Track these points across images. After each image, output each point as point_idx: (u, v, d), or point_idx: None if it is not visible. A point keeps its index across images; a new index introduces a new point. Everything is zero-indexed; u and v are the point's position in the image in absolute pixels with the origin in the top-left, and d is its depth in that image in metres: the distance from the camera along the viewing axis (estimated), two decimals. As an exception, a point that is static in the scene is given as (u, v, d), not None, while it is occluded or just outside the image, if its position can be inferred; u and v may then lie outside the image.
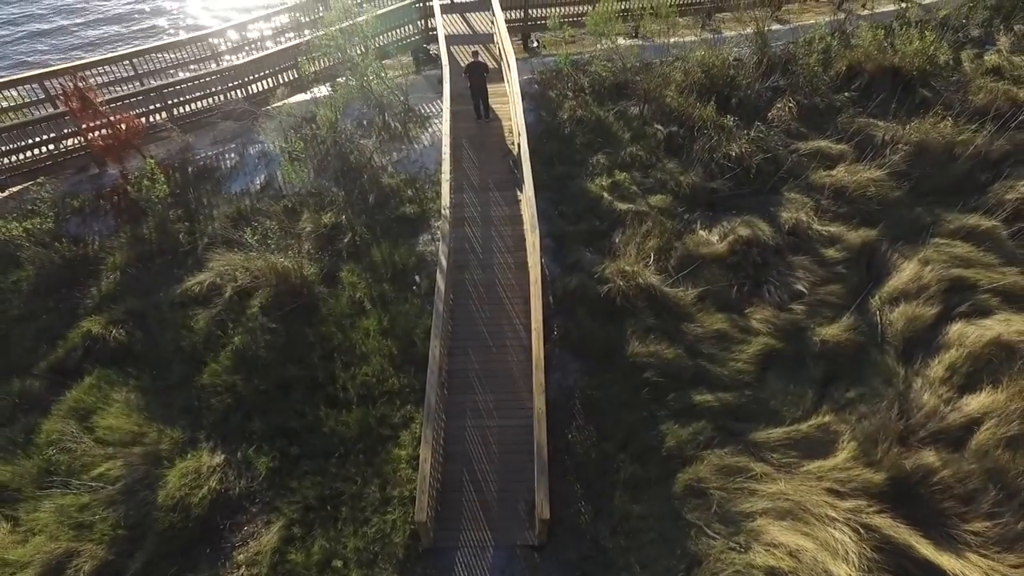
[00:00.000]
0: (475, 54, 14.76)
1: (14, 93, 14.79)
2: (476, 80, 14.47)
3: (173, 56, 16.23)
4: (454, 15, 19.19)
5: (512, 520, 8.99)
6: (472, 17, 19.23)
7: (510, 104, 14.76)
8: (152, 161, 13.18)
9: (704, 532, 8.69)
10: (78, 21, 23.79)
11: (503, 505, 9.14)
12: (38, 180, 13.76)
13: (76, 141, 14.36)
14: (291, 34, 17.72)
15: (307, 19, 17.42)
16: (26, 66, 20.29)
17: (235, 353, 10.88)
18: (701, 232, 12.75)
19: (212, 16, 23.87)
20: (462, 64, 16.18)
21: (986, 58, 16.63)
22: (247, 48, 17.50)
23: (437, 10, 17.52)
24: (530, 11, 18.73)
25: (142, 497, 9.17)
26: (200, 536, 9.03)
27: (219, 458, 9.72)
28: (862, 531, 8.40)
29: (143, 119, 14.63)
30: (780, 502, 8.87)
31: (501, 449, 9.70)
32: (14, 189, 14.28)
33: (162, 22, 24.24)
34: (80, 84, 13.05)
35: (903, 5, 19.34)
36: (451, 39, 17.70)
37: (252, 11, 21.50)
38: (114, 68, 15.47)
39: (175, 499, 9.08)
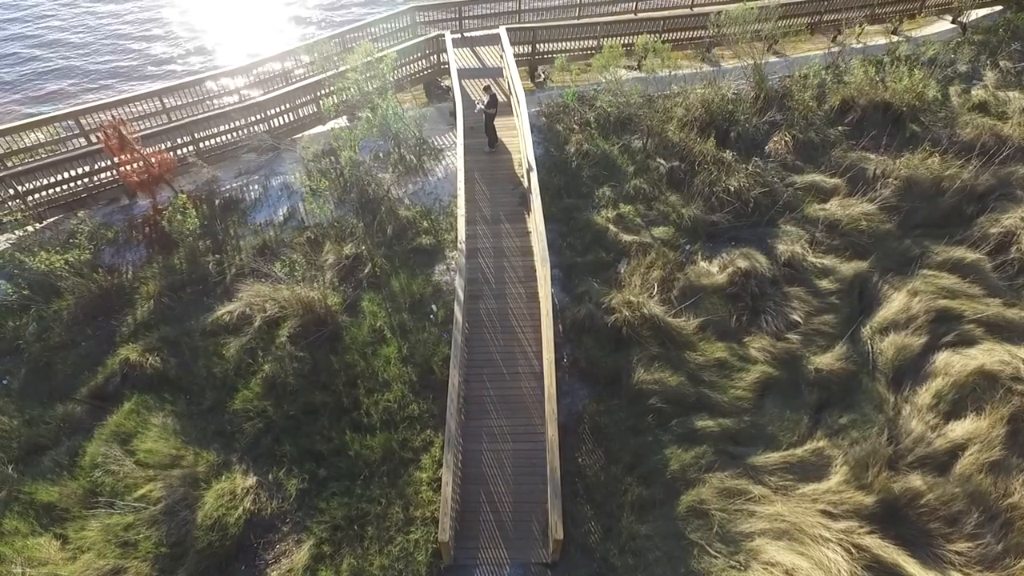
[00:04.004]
0: (487, 88, 15.56)
1: (52, 128, 15.63)
2: (492, 113, 15.27)
3: (199, 91, 17.05)
4: (465, 49, 20.05)
5: (527, 539, 9.63)
6: (482, 51, 20.09)
7: (520, 139, 15.55)
8: (184, 196, 13.98)
9: (706, 551, 9.34)
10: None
11: (518, 525, 9.78)
12: (78, 214, 14.54)
13: (110, 174, 15.17)
14: (305, 70, 18.57)
15: (325, 57, 18.23)
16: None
17: (265, 380, 11.57)
18: (702, 263, 13.48)
19: (236, 54, 24.80)
20: (472, 98, 17.03)
21: (973, 93, 17.46)
22: (270, 84, 18.32)
23: (449, 45, 18.39)
24: (537, 46, 19.61)
25: (182, 517, 9.84)
26: (236, 554, 9.69)
27: (252, 480, 10.39)
28: (853, 551, 9.07)
29: (172, 152, 15.43)
30: (777, 523, 9.52)
31: (515, 471, 10.35)
32: (50, 220, 15.05)
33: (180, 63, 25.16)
34: (118, 123, 13.82)
35: (894, 39, 20.22)
36: (462, 73, 18.53)
37: (275, 48, 22.51)
38: (144, 104, 16.28)
39: (213, 519, 9.74)
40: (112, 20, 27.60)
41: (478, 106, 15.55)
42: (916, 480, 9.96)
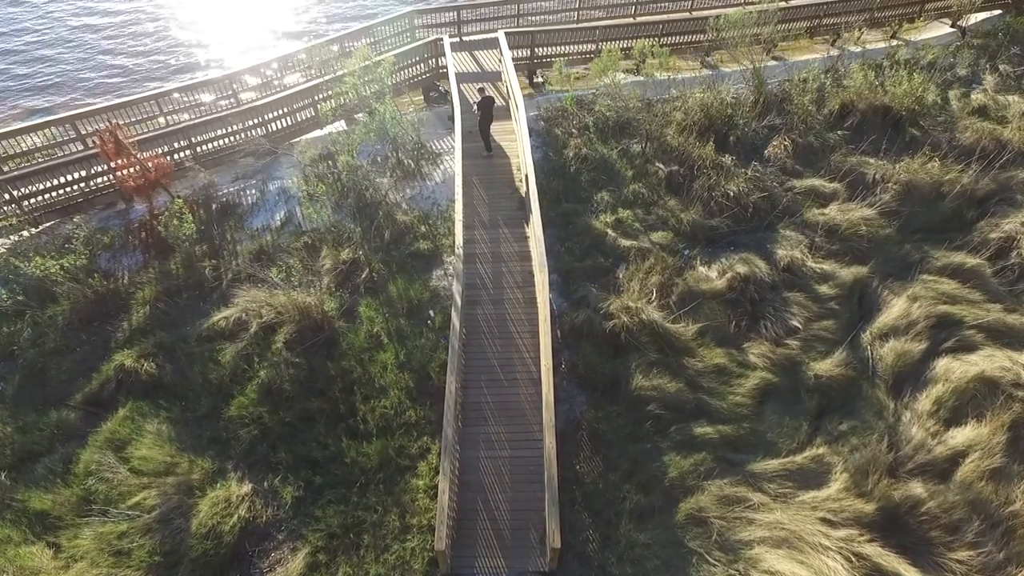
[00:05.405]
0: (481, 90, 15.55)
1: (49, 132, 15.60)
2: (487, 113, 15.22)
3: (197, 96, 17.03)
4: (463, 53, 20.01)
5: (524, 548, 9.54)
6: (480, 55, 20.05)
7: (518, 143, 15.49)
8: (180, 201, 13.92)
9: (705, 559, 9.26)
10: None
11: (515, 533, 9.69)
12: (75, 219, 14.48)
13: (106, 179, 15.10)
14: (302, 76, 18.55)
15: (323, 61, 18.20)
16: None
17: (261, 386, 11.48)
18: (701, 268, 13.41)
19: (232, 58, 24.76)
20: (471, 101, 16.98)
21: (972, 97, 17.43)
22: (267, 87, 18.30)
23: (447, 49, 18.34)
24: (536, 50, 19.57)
25: (176, 525, 9.74)
26: (231, 562, 9.60)
27: (247, 487, 10.30)
28: (854, 559, 9.00)
29: (169, 157, 15.39)
30: (776, 531, 9.44)
31: (513, 479, 10.26)
32: (46, 225, 15.00)
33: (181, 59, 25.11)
34: (114, 127, 13.77)
35: (893, 43, 20.20)
36: (461, 77, 18.46)
37: (271, 50, 22.47)
38: (141, 108, 16.24)
39: (207, 527, 9.65)
40: (103, 31, 27.44)
41: (474, 107, 15.53)
42: (917, 487, 9.88)
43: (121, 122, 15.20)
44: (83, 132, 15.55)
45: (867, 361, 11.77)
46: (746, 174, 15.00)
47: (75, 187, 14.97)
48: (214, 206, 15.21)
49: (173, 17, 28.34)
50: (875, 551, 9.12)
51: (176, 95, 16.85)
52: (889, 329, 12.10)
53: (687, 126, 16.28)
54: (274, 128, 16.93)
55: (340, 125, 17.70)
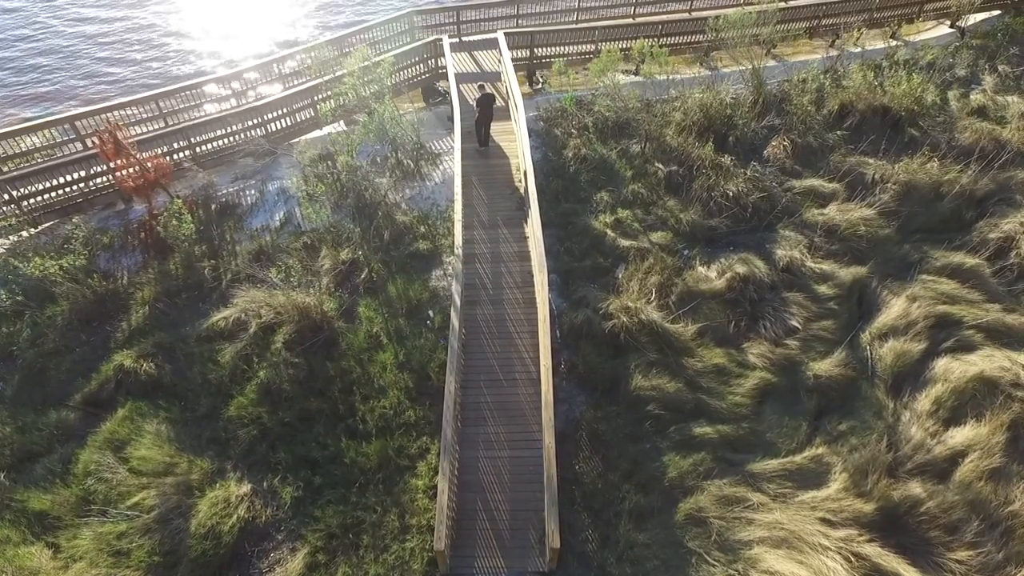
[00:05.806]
0: (481, 87, 15.57)
1: (48, 133, 15.61)
2: (485, 110, 15.22)
3: (196, 97, 17.04)
4: (463, 53, 20.03)
5: (523, 548, 9.54)
6: (480, 55, 20.07)
7: (518, 143, 15.50)
8: (180, 201, 13.92)
9: (704, 559, 9.26)
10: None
11: (515, 533, 9.69)
12: (74, 219, 14.49)
13: (105, 179, 15.10)
14: (304, 77, 18.57)
15: (322, 61, 18.21)
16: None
17: (260, 386, 11.47)
18: (700, 269, 13.41)
19: (231, 59, 24.72)
20: (471, 101, 16.98)
21: (972, 98, 17.44)
22: (267, 87, 18.31)
23: (447, 49, 18.36)
24: (536, 50, 19.59)
25: (175, 525, 9.74)
26: (230, 563, 9.58)
27: (246, 487, 10.30)
28: (853, 559, 8.99)
29: (168, 157, 15.39)
30: (776, 531, 9.43)
31: (512, 479, 10.25)
32: (45, 225, 15.00)
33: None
34: (114, 127, 13.77)
35: (892, 44, 20.22)
36: (460, 77, 18.48)
37: (272, 53, 22.47)
38: (140, 109, 16.25)
39: (206, 527, 9.64)
40: (96, 39, 27.18)
41: (474, 104, 15.54)
42: (916, 487, 9.88)
43: (120, 122, 15.22)
44: (82, 132, 15.56)
45: (866, 361, 11.77)
46: (745, 174, 15.01)
47: (74, 187, 14.96)
48: (213, 206, 15.20)
49: (170, 24, 28.23)
50: (874, 551, 9.12)
51: (175, 97, 16.84)
52: (888, 329, 12.10)
53: (686, 126, 16.29)
54: (273, 128, 16.93)
55: (339, 125, 17.71)
